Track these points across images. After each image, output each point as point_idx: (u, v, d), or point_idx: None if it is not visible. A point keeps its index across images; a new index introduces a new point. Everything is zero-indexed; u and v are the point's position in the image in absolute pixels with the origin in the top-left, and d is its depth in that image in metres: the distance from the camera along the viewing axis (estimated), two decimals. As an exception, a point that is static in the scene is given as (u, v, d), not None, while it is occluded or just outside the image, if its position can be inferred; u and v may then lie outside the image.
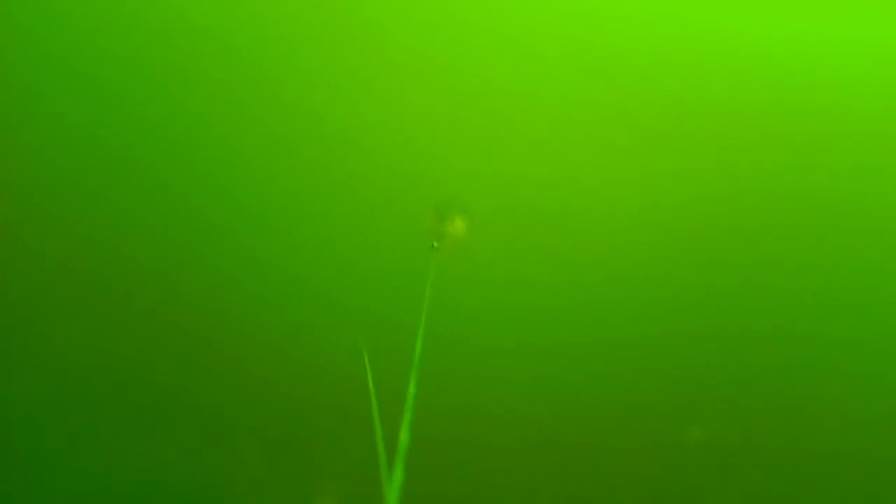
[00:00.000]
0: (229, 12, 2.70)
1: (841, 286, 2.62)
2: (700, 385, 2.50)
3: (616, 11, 2.72)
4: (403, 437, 1.60)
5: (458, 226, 2.14)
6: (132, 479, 2.23)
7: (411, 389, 1.68)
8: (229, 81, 2.68)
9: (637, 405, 2.44)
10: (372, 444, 1.56)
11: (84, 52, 2.68)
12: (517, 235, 2.57)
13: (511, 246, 2.55)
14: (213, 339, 2.42)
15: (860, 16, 2.75)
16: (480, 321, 2.46)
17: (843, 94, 2.73)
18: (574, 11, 2.71)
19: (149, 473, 2.24)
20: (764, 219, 2.67)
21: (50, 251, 2.51)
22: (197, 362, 2.39)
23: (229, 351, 2.40)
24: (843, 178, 2.70)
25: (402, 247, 2.37)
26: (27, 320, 2.44)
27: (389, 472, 1.54)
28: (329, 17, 2.70)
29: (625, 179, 2.65)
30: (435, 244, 2.17)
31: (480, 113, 2.68)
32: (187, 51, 2.69)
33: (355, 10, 2.72)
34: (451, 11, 2.72)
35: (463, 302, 2.43)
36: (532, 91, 2.71)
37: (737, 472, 2.42)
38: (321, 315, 2.45)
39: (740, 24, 2.77)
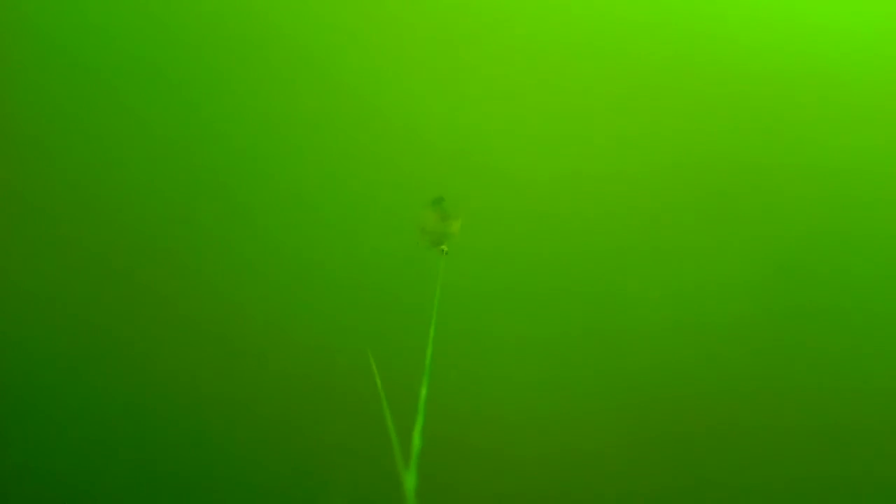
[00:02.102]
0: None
1: (839, 263, 2.62)
2: (706, 373, 2.49)
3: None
4: (416, 441, 1.58)
5: (455, 225, 2.12)
6: (133, 482, 2.22)
7: (423, 392, 1.66)
8: (249, 65, 2.67)
9: (645, 395, 2.43)
10: (384, 447, 1.54)
11: (109, 22, 2.69)
12: (519, 230, 2.56)
13: (512, 240, 2.54)
14: (220, 339, 2.41)
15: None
16: (485, 318, 2.45)
17: (836, 65, 2.72)
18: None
19: (155, 480, 2.23)
20: (769, 195, 2.67)
21: (65, 239, 2.51)
22: (201, 364, 2.38)
23: (236, 352, 2.39)
24: (840, 151, 2.69)
25: (411, 247, 2.36)
26: (45, 307, 2.44)
27: (403, 476, 1.53)
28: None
29: (632, 159, 2.65)
30: (445, 248, 2.16)
31: (481, 105, 2.67)
32: (202, 29, 2.69)
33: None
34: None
35: (469, 299, 2.42)
36: (543, 87, 2.70)
37: (743, 460, 2.41)
38: (330, 317, 2.44)
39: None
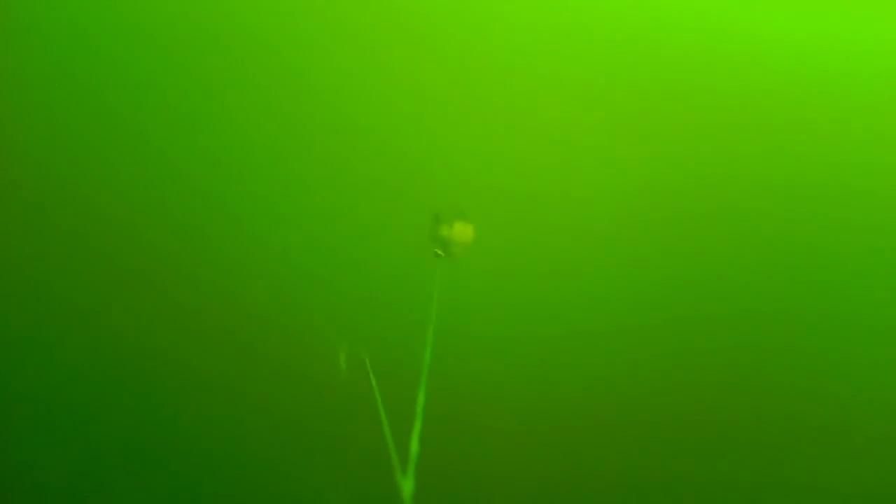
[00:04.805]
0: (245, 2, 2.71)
1: (829, 272, 2.66)
2: (695, 371, 2.52)
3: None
4: (414, 445, 1.59)
5: (459, 232, 2.14)
6: (125, 480, 2.22)
7: (420, 398, 1.67)
8: (243, 76, 2.69)
9: (642, 394, 2.45)
10: (381, 452, 1.55)
11: (106, 36, 2.70)
12: (516, 231, 2.58)
13: (510, 241, 2.56)
14: (218, 343, 2.42)
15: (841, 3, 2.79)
16: (484, 320, 2.46)
17: (830, 83, 2.76)
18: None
19: (147, 479, 2.24)
20: (759, 205, 2.70)
21: (62, 241, 2.53)
22: (198, 367, 2.39)
23: (234, 356, 2.40)
24: (831, 166, 2.73)
25: (411, 250, 2.37)
26: (43, 304, 2.45)
27: (401, 482, 1.54)
28: (341, 6, 2.72)
29: (622, 167, 2.68)
30: (439, 252, 2.17)
31: (481, 111, 2.69)
32: (197, 42, 2.70)
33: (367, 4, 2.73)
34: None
35: (466, 303, 2.43)
36: (533, 84, 2.72)
37: (732, 459, 2.43)
38: (330, 321, 2.45)
39: (729, 11, 2.79)
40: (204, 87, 2.69)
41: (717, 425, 2.45)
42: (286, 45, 2.72)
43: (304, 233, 2.61)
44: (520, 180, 2.63)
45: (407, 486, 1.55)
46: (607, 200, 2.65)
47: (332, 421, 2.26)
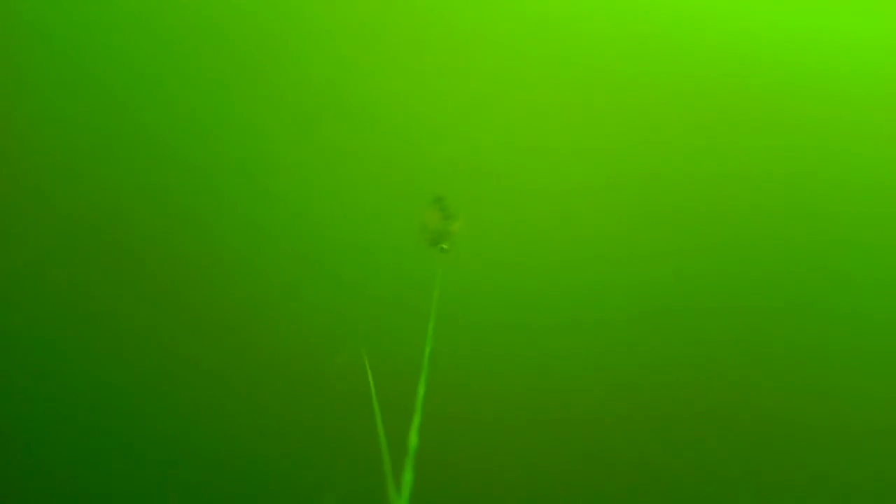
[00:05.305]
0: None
1: (829, 268, 2.65)
2: (697, 364, 2.51)
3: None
4: (412, 439, 1.56)
5: (456, 223, 2.12)
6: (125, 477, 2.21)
7: (420, 391, 1.65)
8: (245, 64, 2.68)
9: (632, 383, 2.44)
10: (381, 445, 1.53)
11: (104, 25, 2.71)
12: (518, 222, 2.58)
13: (511, 232, 2.55)
14: (217, 337, 2.41)
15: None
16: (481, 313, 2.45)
17: (831, 78, 2.76)
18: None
19: (146, 475, 2.22)
20: (759, 200, 2.70)
21: (61, 236, 2.52)
22: (198, 360, 2.38)
23: (233, 350, 2.39)
24: (831, 162, 2.73)
25: (412, 242, 2.36)
26: (48, 302, 2.44)
27: (397, 476, 1.51)
28: None
29: (623, 160, 2.67)
30: (444, 247, 2.15)
31: (473, 102, 2.69)
32: (199, 29, 2.71)
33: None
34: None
35: (467, 297, 2.42)
36: (525, 82, 2.72)
37: (732, 445, 2.42)
38: (330, 315, 2.44)
39: (729, 5, 2.80)
40: (205, 79, 2.68)
41: (718, 419, 2.44)
42: (289, 36, 2.72)
43: (303, 225, 2.60)
44: (521, 173, 2.62)
45: (405, 479, 1.52)
46: (608, 193, 2.64)
47: (333, 414, 2.24)
